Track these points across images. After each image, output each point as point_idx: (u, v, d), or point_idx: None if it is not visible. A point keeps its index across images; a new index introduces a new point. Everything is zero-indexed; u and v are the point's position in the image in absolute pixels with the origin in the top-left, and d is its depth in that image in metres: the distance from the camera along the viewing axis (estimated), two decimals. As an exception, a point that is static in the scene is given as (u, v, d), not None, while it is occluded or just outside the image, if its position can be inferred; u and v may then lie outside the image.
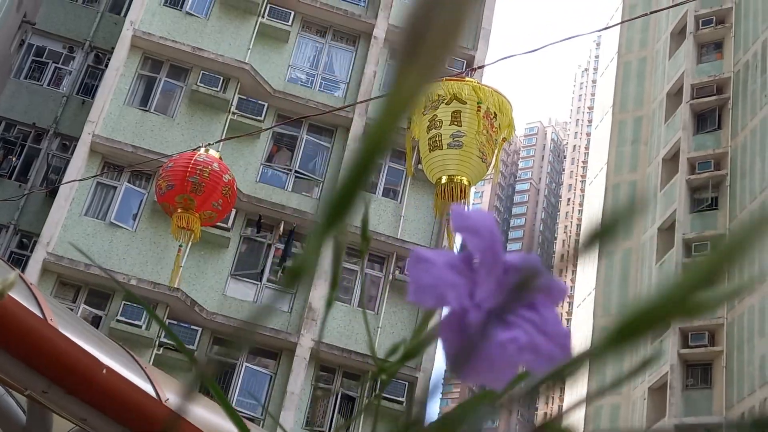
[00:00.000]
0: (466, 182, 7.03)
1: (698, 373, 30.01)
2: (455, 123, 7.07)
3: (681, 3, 7.67)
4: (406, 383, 19.09)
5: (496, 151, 7.21)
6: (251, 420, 17.06)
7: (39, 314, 4.56)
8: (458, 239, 0.50)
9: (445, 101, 7.17)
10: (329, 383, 19.59)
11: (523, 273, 0.48)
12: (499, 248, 0.49)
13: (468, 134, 7.02)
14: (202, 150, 9.55)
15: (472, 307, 0.48)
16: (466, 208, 0.51)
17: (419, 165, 8.43)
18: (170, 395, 5.20)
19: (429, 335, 0.49)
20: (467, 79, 7.47)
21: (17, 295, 4.44)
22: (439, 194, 7.13)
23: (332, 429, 18.95)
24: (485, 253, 0.49)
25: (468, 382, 0.47)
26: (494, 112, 7.16)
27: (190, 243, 10.03)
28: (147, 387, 4.98)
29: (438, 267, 0.48)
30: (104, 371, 4.36)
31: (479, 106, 7.09)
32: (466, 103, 7.12)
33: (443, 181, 7.09)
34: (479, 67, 7.95)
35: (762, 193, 29.77)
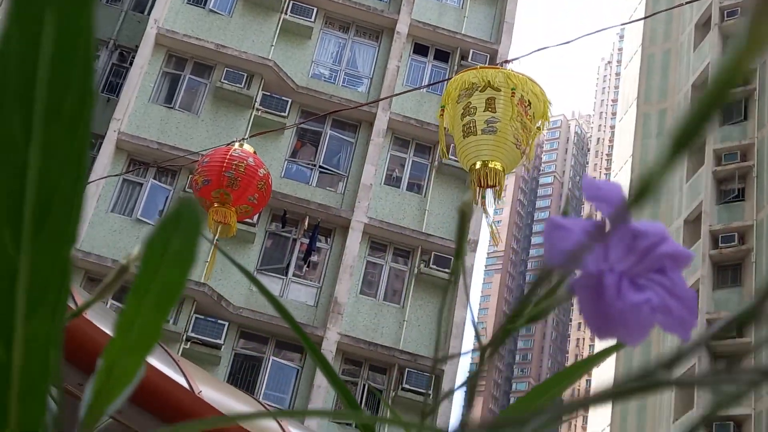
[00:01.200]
0: (500, 167, 7.01)
1: (725, 364, 29.81)
2: (489, 109, 7.06)
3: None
4: (432, 376, 19.12)
5: (531, 140, 7.20)
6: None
7: (72, 306, 4.63)
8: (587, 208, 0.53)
9: (480, 89, 7.16)
10: (355, 376, 19.66)
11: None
12: (628, 216, 0.53)
13: (502, 120, 7.01)
14: (237, 145, 9.65)
15: (607, 270, 0.51)
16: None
17: (442, 158, 8.48)
18: (203, 387, 5.28)
19: (558, 298, 0.53)
20: (501, 67, 7.46)
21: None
22: (473, 180, 7.11)
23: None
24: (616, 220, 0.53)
25: (603, 338, 0.51)
26: (528, 100, 7.15)
27: (217, 237, 10.13)
28: (180, 379, 5.05)
29: (575, 233, 0.51)
30: (138, 363, 4.43)
31: (513, 93, 7.08)
32: (500, 90, 7.11)
33: (477, 166, 7.07)
34: (510, 60, 7.93)
35: (789, 183, 29.54)
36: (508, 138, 7.02)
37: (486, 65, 7.50)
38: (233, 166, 9.21)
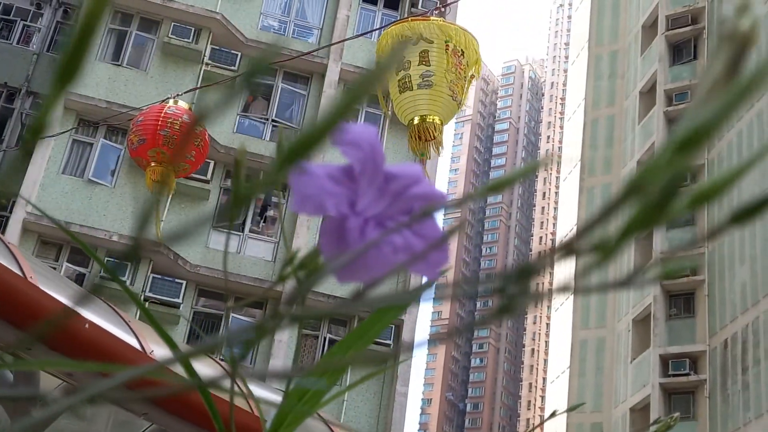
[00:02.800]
0: (438, 121, 7.09)
1: (681, 302, 30.36)
2: (423, 62, 7.10)
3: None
4: (393, 326, 19.23)
5: (465, 88, 7.26)
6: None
7: (19, 273, 4.56)
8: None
9: (412, 42, 7.20)
10: (316, 329, 19.73)
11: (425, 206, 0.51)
12: (379, 159, 0.52)
13: (437, 73, 7.07)
14: (171, 102, 9.51)
15: (351, 214, 0.51)
16: (355, 126, 0.53)
17: (385, 115, 8.44)
18: (155, 347, 5.24)
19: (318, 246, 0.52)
20: (432, 18, 7.46)
21: (-4, 255, 4.44)
22: (412, 135, 7.20)
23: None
24: (365, 164, 0.52)
25: (344, 281, 0.50)
26: (461, 50, 7.19)
27: (168, 196, 10.05)
28: (131, 340, 5.01)
29: (319, 178, 0.51)
30: (87, 326, 4.39)
31: (447, 45, 7.12)
32: (433, 42, 7.15)
33: (415, 121, 7.14)
34: (450, 3, 7.88)
35: (739, 121, 29.89)
36: (444, 91, 7.08)
37: (417, 17, 7.47)
38: (168, 124, 9.09)
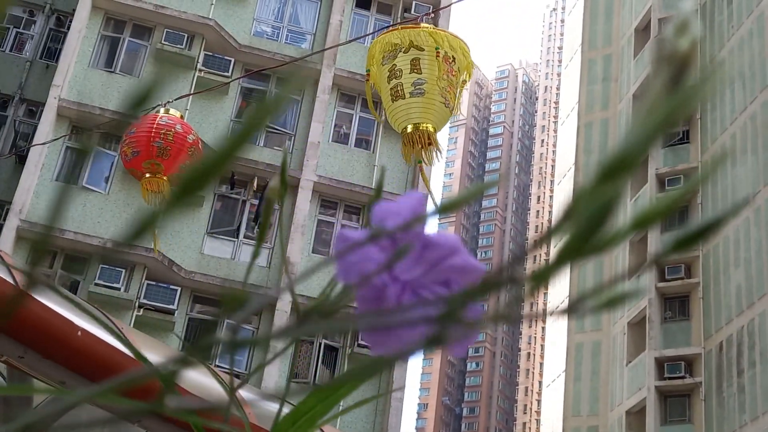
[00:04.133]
0: (431, 129, 7.09)
1: (676, 305, 30.38)
2: (415, 71, 7.11)
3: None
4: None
5: (457, 94, 7.26)
6: (236, 376, 17.15)
7: (10, 280, 4.55)
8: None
9: (403, 50, 7.19)
10: (311, 334, 19.70)
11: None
12: (420, 227, 0.51)
13: (429, 81, 7.07)
14: (162, 111, 9.43)
15: (390, 282, 0.50)
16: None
17: (377, 120, 8.45)
18: (149, 354, 5.23)
19: (344, 299, 0.51)
20: (422, 25, 7.46)
21: (-13, 263, 4.42)
22: (406, 143, 7.21)
23: (316, 379, 19.10)
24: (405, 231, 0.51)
25: (381, 351, 0.49)
26: (452, 56, 7.19)
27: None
28: (124, 348, 5.00)
29: (361, 244, 0.49)
30: (79, 333, 4.37)
31: (438, 52, 7.12)
32: (423, 49, 7.15)
33: (409, 129, 7.15)
34: (443, 8, 7.92)
35: (732, 124, 29.95)
36: (436, 98, 7.09)
37: (407, 24, 7.47)
38: (161, 135, 9.02)
